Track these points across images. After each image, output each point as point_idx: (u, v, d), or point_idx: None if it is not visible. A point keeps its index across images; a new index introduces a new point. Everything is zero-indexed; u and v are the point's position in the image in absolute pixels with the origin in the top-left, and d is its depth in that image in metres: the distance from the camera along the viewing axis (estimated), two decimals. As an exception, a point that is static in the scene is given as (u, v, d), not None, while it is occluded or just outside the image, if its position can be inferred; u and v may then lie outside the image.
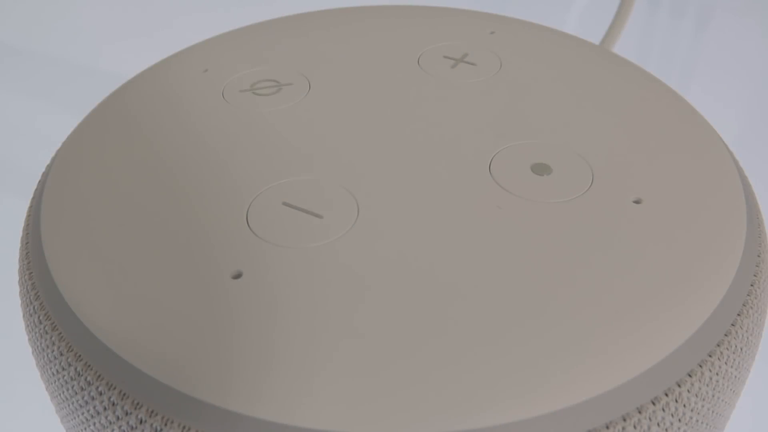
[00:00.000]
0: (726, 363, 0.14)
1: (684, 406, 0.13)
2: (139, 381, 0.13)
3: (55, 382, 0.15)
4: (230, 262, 0.15)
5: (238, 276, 0.14)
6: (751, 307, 0.15)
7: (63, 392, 0.14)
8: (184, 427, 0.12)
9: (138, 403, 0.13)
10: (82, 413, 0.14)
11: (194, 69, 0.21)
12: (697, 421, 0.14)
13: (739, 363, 0.14)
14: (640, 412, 0.13)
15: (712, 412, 0.14)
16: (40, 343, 0.15)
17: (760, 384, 0.19)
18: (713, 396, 0.14)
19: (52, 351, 0.14)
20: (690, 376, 0.13)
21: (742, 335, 0.14)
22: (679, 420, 0.13)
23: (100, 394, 0.13)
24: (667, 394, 0.13)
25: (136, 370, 0.13)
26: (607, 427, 0.12)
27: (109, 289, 0.14)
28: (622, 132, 0.18)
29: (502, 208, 0.16)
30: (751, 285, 0.15)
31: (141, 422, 0.13)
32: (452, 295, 0.14)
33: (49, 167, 0.18)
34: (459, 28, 0.23)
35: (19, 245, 0.17)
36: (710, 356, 0.14)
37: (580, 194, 0.16)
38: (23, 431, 0.25)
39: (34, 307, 0.15)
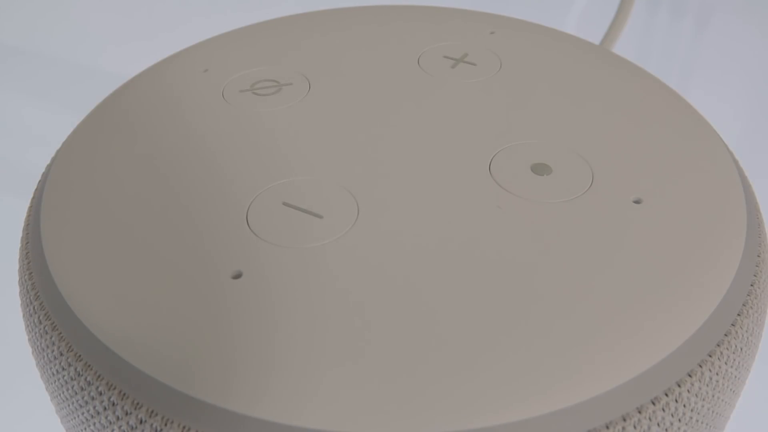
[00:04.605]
0: (726, 363, 0.14)
1: (684, 406, 0.13)
2: (139, 381, 0.13)
3: (55, 382, 0.15)
4: (230, 262, 0.15)
5: (238, 276, 0.14)
6: (751, 307, 0.15)
7: (63, 392, 0.14)
8: (184, 427, 0.12)
9: (138, 403, 0.13)
10: (82, 413, 0.14)
11: (194, 69, 0.21)
12: (697, 421, 0.14)
13: (739, 363, 0.14)
14: (640, 412, 0.13)
15: (712, 412, 0.14)
16: (40, 343, 0.15)
17: (760, 384, 0.19)
18: (713, 396, 0.14)
19: (52, 351, 0.14)
20: (690, 376, 0.13)
21: (742, 335, 0.14)
22: (679, 420, 0.13)
23: (100, 394, 0.13)
24: (667, 394, 0.13)
25: (136, 370, 0.13)
26: (607, 427, 0.12)
27: (109, 289, 0.14)
28: (622, 132, 0.18)
29: (502, 208, 0.16)
30: (751, 285, 0.15)
31: (141, 422, 0.13)
32: (452, 296, 0.14)
33: (49, 167, 0.18)
34: (459, 28, 0.23)
35: (19, 245, 0.17)
36: (710, 356, 0.14)
37: (580, 194, 0.16)
38: (23, 431, 0.25)
39: (34, 307, 0.15)
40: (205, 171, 0.17)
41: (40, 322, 0.15)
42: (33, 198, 0.18)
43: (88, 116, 0.19)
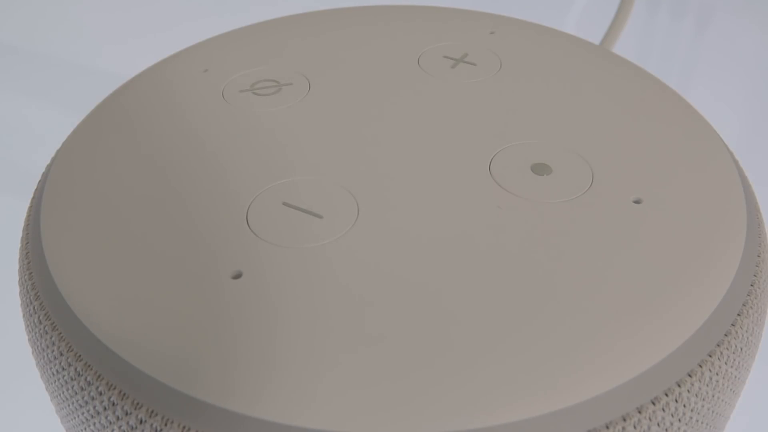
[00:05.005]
0: (726, 363, 0.14)
1: (684, 406, 0.13)
2: (139, 381, 0.13)
3: (55, 382, 0.15)
4: (230, 262, 0.15)
5: (238, 276, 0.14)
6: (751, 307, 0.15)
7: (63, 392, 0.14)
8: (184, 427, 0.12)
9: (138, 403, 0.13)
10: (82, 413, 0.14)
11: (194, 69, 0.21)
12: (697, 421, 0.14)
13: (739, 363, 0.14)
14: (640, 412, 0.13)
15: (712, 412, 0.14)
16: (40, 343, 0.15)
17: (760, 384, 0.19)
18: (713, 396, 0.14)
19: (52, 351, 0.14)
20: (690, 376, 0.13)
21: (742, 335, 0.14)
22: (679, 420, 0.13)
23: (100, 394, 0.13)
24: (667, 394, 0.13)
25: (136, 370, 0.13)
26: (607, 427, 0.12)
27: (109, 289, 0.14)
28: (622, 132, 0.18)
29: (502, 208, 0.16)
30: (751, 285, 0.15)
31: (141, 422, 0.13)
32: (453, 296, 0.14)
33: (49, 167, 0.18)
34: (459, 28, 0.23)
35: (19, 245, 0.17)
36: (710, 356, 0.14)
37: (580, 194, 0.16)
38: (23, 431, 0.25)
39: (34, 307, 0.15)
40: (205, 171, 0.17)
41: (40, 322, 0.15)
42: (33, 198, 0.18)
43: (88, 116, 0.19)
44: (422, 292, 0.14)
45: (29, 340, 0.16)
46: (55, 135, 0.20)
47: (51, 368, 0.15)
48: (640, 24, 0.43)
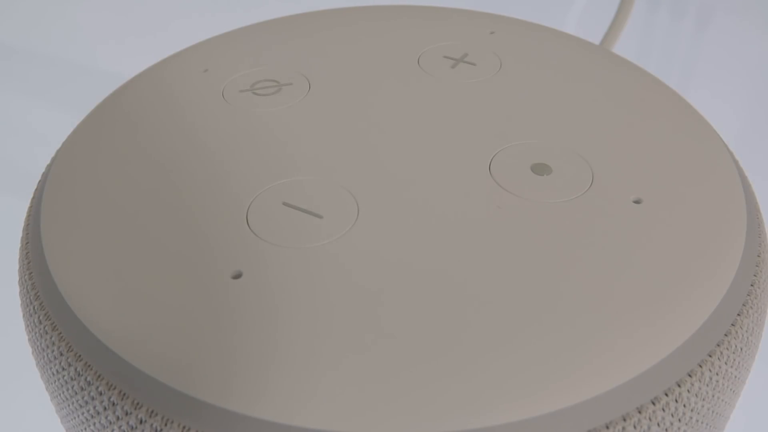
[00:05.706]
0: (726, 363, 0.14)
1: (684, 406, 0.13)
2: (139, 381, 0.13)
3: (55, 382, 0.15)
4: (230, 262, 0.15)
5: (238, 276, 0.14)
6: (751, 307, 0.15)
7: (63, 392, 0.14)
8: (184, 427, 0.12)
9: (138, 403, 0.13)
10: (82, 413, 0.14)
11: (194, 69, 0.21)
12: (697, 421, 0.14)
13: (739, 363, 0.14)
14: (640, 412, 0.13)
15: (712, 412, 0.14)
16: (40, 343, 0.15)
17: (760, 384, 0.19)
18: (713, 396, 0.14)
19: (52, 351, 0.14)
20: (690, 376, 0.13)
21: (742, 335, 0.14)
22: (679, 420, 0.13)
23: (100, 394, 0.13)
24: (667, 394, 0.13)
25: (136, 370, 0.13)
26: (607, 427, 0.12)
27: (109, 289, 0.14)
28: (622, 132, 0.18)
29: (502, 208, 0.16)
30: (751, 285, 0.15)
31: (141, 422, 0.13)
32: (452, 296, 0.14)
33: (49, 167, 0.18)
34: (459, 28, 0.23)
35: (19, 245, 0.17)
36: (710, 356, 0.14)
37: (580, 194, 0.16)
38: (23, 431, 0.25)
39: (34, 307, 0.15)
40: (205, 171, 0.17)
41: (40, 322, 0.15)
42: (33, 198, 0.18)
43: (88, 116, 0.19)
44: (421, 293, 0.14)
45: (29, 340, 0.16)
46: (55, 135, 0.20)
47: (51, 368, 0.15)
48: (640, 24, 0.43)
